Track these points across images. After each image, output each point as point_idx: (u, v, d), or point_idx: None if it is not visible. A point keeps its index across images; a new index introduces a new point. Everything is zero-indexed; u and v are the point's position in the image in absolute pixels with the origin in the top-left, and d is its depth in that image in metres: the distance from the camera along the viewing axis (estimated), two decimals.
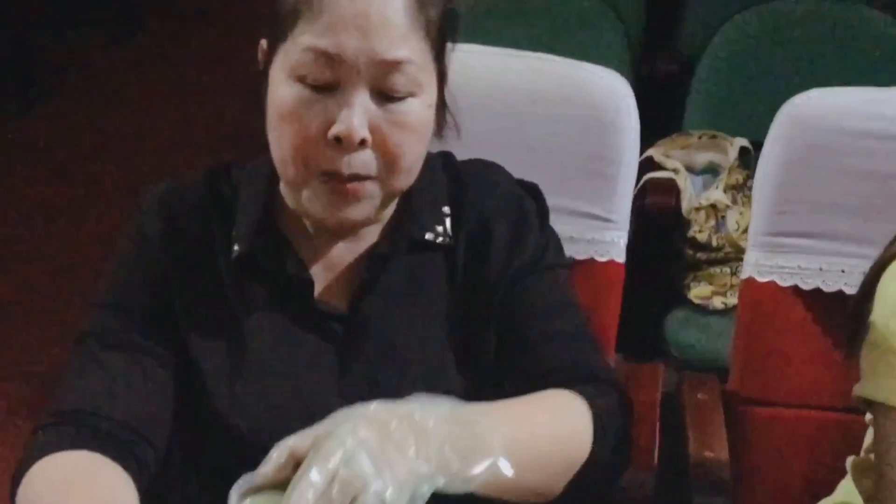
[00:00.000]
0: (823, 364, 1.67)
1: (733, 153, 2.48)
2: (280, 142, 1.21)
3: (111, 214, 3.49)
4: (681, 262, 2.42)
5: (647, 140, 2.49)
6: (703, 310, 2.36)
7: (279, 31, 1.21)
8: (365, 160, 1.19)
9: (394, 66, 1.18)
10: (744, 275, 1.73)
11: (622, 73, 1.72)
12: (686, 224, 2.40)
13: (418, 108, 1.21)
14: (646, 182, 2.42)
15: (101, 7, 4.71)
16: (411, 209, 1.32)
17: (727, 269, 2.37)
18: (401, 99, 1.20)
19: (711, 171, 2.50)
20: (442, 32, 1.24)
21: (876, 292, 1.22)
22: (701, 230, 2.39)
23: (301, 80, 1.18)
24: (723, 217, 2.39)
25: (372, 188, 1.21)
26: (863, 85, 1.70)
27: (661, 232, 2.40)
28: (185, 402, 1.27)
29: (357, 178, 1.20)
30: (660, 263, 2.40)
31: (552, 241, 1.38)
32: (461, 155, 1.39)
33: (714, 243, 2.38)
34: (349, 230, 1.30)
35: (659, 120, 2.64)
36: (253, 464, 1.20)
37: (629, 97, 1.65)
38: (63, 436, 1.18)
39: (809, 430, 1.69)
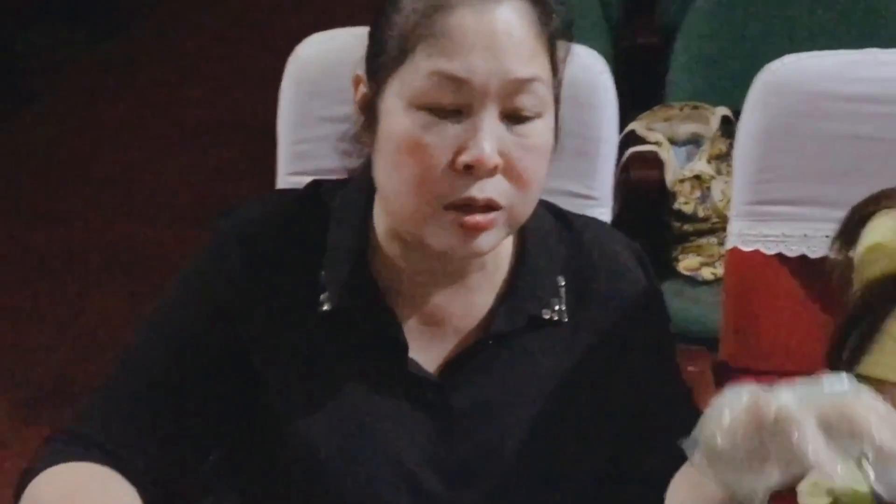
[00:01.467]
0: (813, 330, 1.66)
1: (715, 123, 2.48)
2: (400, 175, 1.13)
3: (108, 213, 3.52)
4: (668, 234, 2.41)
5: (629, 114, 2.49)
6: (692, 281, 2.35)
7: (392, 59, 1.13)
8: (498, 186, 1.12)
9: (524, 84, 1.11)
10: (728, 245, 1.73)
11: (601, 47, 1.70)
12: (671, 196, 2.40)
13: (544, 130, 1.15)
14: (629, 156, 2.42)
15: (84, 4, 4.66)
16: (525, 273, 1.25)
17: (714, 240, 2.36)
18: (527, 121, 1.13)
19: (694, 142, 2.49)
20: (558, 45, 1.17)
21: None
22: (686, 202, 2.38)
23: (423, 107, 1.11)
24: (708, 188, 2.38)
25: (499, 219, 1.14)
26: (844, 47, 1.69)
27: (646, 205, 2.39)
28: (247, 438, 1.23)
29: (490, 206, 1.12)
30: (647, 237, 2.38)
31: (665, 317, 1.34)
32: None
33: (700, 214, 2.38)
34: (458, 272, 1.23)
35: (641, 93, 2.63)
36: None
37: (605, 73, 1.64)
38: (72, 451, 1.17)
39: None
